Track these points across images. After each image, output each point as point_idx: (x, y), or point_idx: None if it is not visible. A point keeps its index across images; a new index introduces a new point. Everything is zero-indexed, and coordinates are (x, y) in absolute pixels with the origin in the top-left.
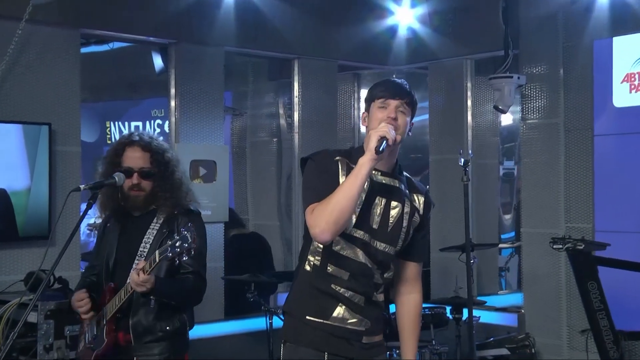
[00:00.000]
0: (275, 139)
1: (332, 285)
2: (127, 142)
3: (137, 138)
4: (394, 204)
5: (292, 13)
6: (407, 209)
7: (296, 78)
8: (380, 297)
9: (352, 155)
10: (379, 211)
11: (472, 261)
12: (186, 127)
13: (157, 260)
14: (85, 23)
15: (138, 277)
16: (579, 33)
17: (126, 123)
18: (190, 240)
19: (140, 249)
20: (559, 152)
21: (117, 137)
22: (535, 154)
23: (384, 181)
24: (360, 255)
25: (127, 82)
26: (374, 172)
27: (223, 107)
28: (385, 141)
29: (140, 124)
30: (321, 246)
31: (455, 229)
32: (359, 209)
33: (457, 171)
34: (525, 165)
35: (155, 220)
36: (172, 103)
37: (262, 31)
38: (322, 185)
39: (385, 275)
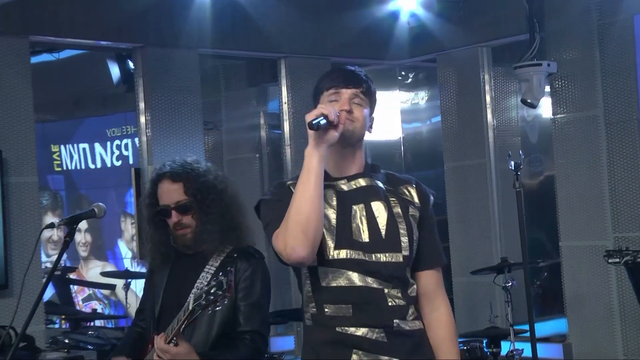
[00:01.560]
0: (257, 155)
1: (338, 329)
2: (155, 177)
3: (166, 169)
4: (374, 205)
5: (276, 5)
6: (394, 205)
7: (284, 81)
8: (414, 323)
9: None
10: (361, 221)
11: (509, 284)
12: (160, 145)
13: (190, 308)
14: (33, 29)
15: (159, 344)
16: (616, 7)
17: (75, 146)
18: (225, 287)
19: (191, 295)
20: (600, 149)
21: (69, 163)
22: (572, 154)
23: (350, 187)
24: (357, 279)
25: (75, 98)
26: (335, 182)
27: (202, 119)
28: (323, 118)
29: (86, 145)
30: (310, 290)
31: (481, 248)
32: (334, 229)
33: (478, 179)
34: (560, 167)
35: (210, 263)
36: (142, 119)
37: (241, 28)
38: (280, 213)
39: (409, 292)
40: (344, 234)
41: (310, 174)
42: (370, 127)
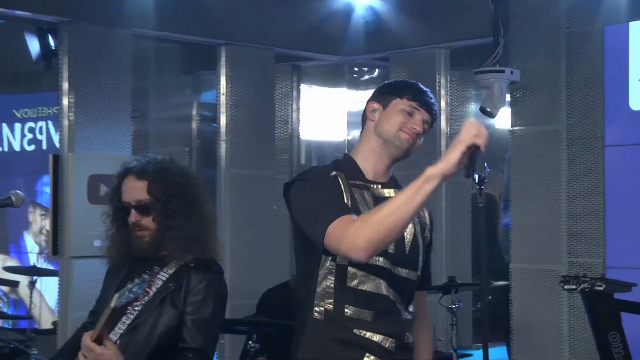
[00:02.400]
0: (187, 149)
1: (355, 331)
2: (122, 171)
3: (133, 164)
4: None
5: None
6: (415, 223)
7: (223, 70)
8: (411, 340)
9: (343, 169)
10: None
11: (455, 305)
12: (83, 131)
13: (112, 306)
14: None
15: (85, 341)
16: (586, 16)
17: None
18: (145, 287)
19: (117, 293)
20: (560, 167)
21: None
22: (530, 170)
23: (387, 194)
24: (384, 288)
25: None
26: (373, 185)
27: (130, 106)
28: (475, 158)
29: None
30: (332, 287)
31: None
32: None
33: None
34: (516, 183)
35: (165, 270)
36: (65, 101)
37: (180, 10)
38: (335, 199)
39: (410, 309)
40: None
41: (420, 193)
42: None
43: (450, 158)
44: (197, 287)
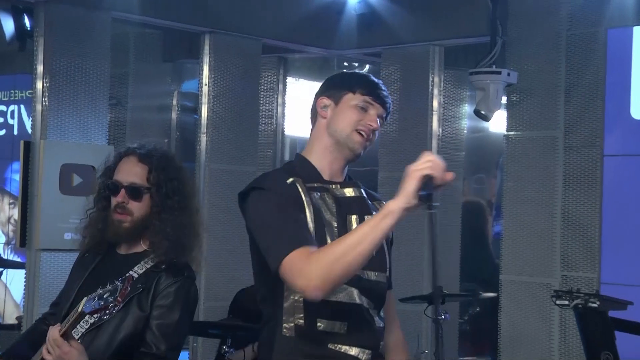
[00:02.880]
0: (165, 140)
1: (330, 346)
2: (123, 151)
3: (137, 145)
4: (367, 218)
5: None
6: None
7: (206, 59)
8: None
9: (299, 172)
10: None
11: (442, 317)
12: (58, 117)
13: (79, 310)
14: None
15: (53, 335)
16: (589, 18)
17: None
18: (117, 295)
19: (86, 296)
20: (556, 176)
21: None
22: (524, 177)
23: (348, 194)
24: (356, 296)
25: None
26: (332, 185)
27: (108, 93)
28: (431, 186)
29: None
30: (301, 300)
31: (411, 272)
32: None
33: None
34: (509, 191)
35: (135, 269)
36: (39, 84)
37: None
38: (293, 223)
39: (381, 315)
40: None
41: (378, 231)
42: None
43: (407, 189)
44: (166, 290)
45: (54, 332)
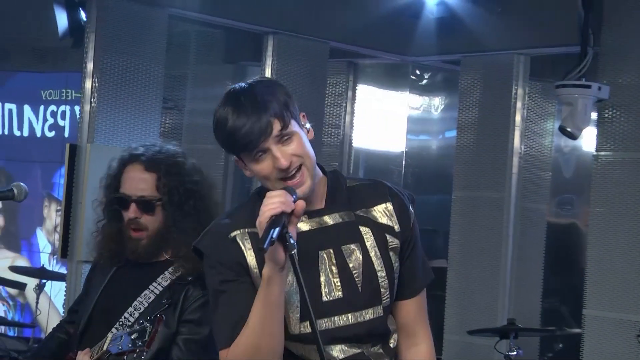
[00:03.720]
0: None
1: None
2: (126, 157)
3: (140, 151)
4: (347, 248)
5: None
6: (367, 237)
7: (269, 62)
8: None
9: (255, 209)
10: (329, 274)
11: (514, 353)
12: (106, 119)
13: (104, 349)
14: None
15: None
16: None
17: None
18: (146, 339)
19: (126, 314)
20: None
21: None
22: (613, 202)
23: (312, 227)
24: (337, 352)
25: (3, 45)
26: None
27: (162, 95)
28: (279, 223)
29: (13, 106)
30: None
31: (484, 302)
32: (296, 296)
33: (491, 217)
34: (596, 217)
35: (158, 280)
36: (88, 83)
37: None
38: (226, 310)
39: (390, 344)
40: (312, 298)
41: (277, 298)
42: (309, 134)
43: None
44: (194, 304)
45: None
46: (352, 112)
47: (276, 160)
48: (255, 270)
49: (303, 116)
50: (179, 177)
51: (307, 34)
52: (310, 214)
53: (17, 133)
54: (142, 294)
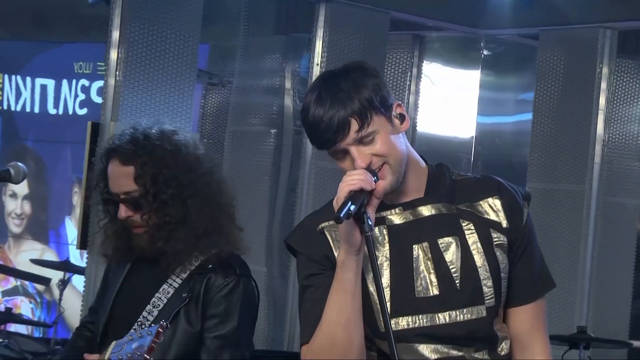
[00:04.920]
0: (274, 130)
1: None
2: (104, 153)
3: (114, 144)
4: (443, 242)
5: None
6: (470, 234)
7: (320, 33)
8: None
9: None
10: (426, 267)
11: None
12: (132, 96)
13: (106, 359)
14: None
15: None
16: None
17: (28, 79)
18: (146, 348)
19: (145, 313)
20: None
21: (12, 101)
22: None
23: (406, 219)
24: (429, 352)
25: (34, 13)
26: (384, 212)
27: (196, 69)
28: (357, 201)
29: (51, 82)
30: None
31: (557, 308)
32: (387, 289)
33: (570, 213)
34: None
35: (177, 273)
36: (113, 54)
37: None
38: (310, 307)
39: (499, 351)
40: (404, 293)
41: (342, 292)
42: (403, 125)
43: (340, 226)
44: (217, 295)
45: None
46: (417, 92)
47: (354, 161)
48: None
49: (398, 105)
50: (155, 164)
51: (365, 2)
52: (405, 205)
53: (52, 111)
54: (161, 289)
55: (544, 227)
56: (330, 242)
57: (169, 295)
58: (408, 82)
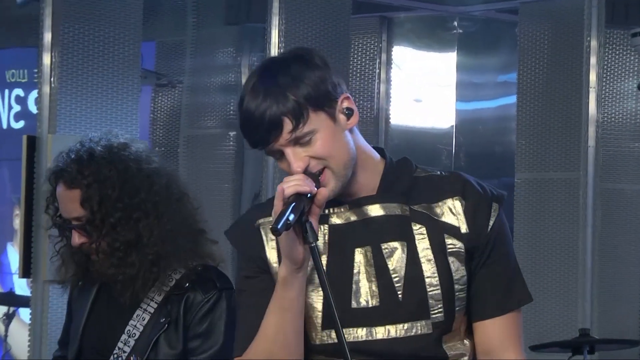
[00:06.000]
0: (232, 133)
1: None
2: (50, 175)
3: (58, 166)
4: (387, 247)
5: None
6: (421, 239)
7: (275, 21)
8: None
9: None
10: (366, 274)
11: None
12: (70, 104)
13: None
14: None
15: None
16: None
17: None
18: None
19: (120, 344)
20: None
21: None
22: None
23: (348, 219)
24: None
25: None
26: (325, 210)
27: (139, 69)
28: (297, 210)
29: None
30: None
31: (556, 310)
32: (319, 297)
33: (565, 203)
34: None
35: (150, 295)
36: (46, 59)
37: None
38: (246, 313)
39: None
40: (339, 302)
41: (294, 307)
42: (350, 121)
43: (279, 239)
44: (199, 313)
45: None
46: (388, 80)
47: (289, 164)
48: (275, 265)
49: (345, 99)
50: (100, 185)
51: None
52: (351, 203)
53: None
54: (134, 316)
55: (536, 221)
56: (264, 240)
57: (145, 322)
58: (377, 70)
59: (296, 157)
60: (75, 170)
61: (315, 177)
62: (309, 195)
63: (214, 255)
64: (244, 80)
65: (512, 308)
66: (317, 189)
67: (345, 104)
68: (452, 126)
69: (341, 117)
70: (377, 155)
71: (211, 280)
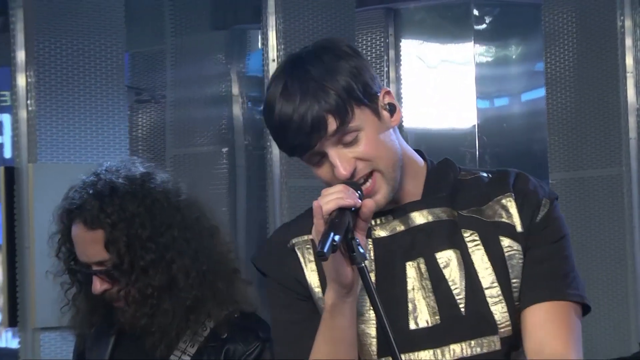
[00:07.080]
0: (225, 149)
1: None
2: (63, 213)
3: (74, 202)
4: (442, 256)
5: None
6: (475, 246)
7: (271, 21)
8: None
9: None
10: (423, 288)
11: None
12: (51, 128)
13: None
14: None
15: None
16: None
17: None
18: None
19: None
20: None
21: None
22: None
23: (395, 229)
24: None
25: None
26: (377, 220)
27: (125, 87)
28: (341, 227)
29: None
30: None
31: (607, 322)
32: (371, 322)
33: (607, 204)
34: None
35: (180, 346)
36: (21, 80)
37: None
38: (283, 348)
39: None
40: (396, 325)
41: (344, 335)
42: (394, 118)
43: (324, 263)
44: None
45: None
46: (398, 79)
47: (334, 168)
48: (317, 290)
49: (387, 93)
50: (130, 225)
51: None
52: (394, 212)
53: None
54: None
55: (576, 226)
56: (302, 262)
57: None
58: (385, 68)
59: (342, 159)
60: (96, 208)
61: (358, 186)
62: (352, 208)
63: (250, 298)
64: (234, 90)
65: (565, 297)
66: (362, 200)
67: (387, 99)
68: (474, 126)
69: (384, 114)
70: (419, 158)
71: (252, 330)
